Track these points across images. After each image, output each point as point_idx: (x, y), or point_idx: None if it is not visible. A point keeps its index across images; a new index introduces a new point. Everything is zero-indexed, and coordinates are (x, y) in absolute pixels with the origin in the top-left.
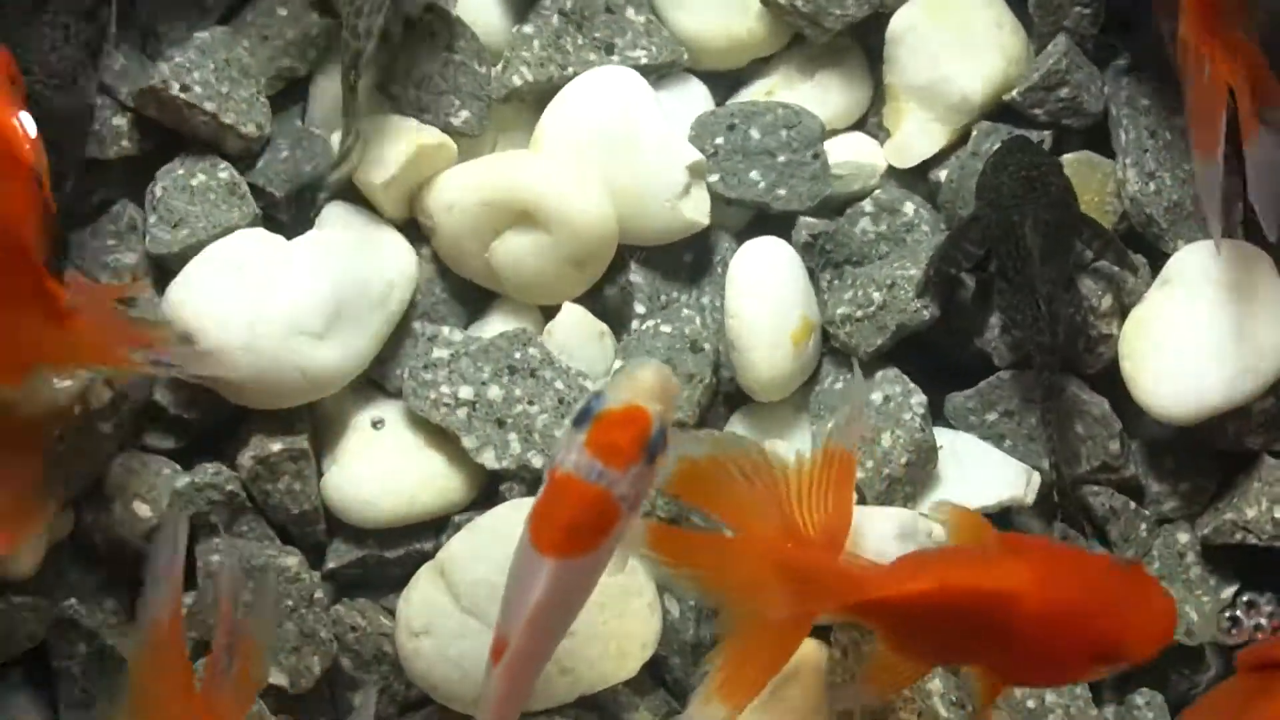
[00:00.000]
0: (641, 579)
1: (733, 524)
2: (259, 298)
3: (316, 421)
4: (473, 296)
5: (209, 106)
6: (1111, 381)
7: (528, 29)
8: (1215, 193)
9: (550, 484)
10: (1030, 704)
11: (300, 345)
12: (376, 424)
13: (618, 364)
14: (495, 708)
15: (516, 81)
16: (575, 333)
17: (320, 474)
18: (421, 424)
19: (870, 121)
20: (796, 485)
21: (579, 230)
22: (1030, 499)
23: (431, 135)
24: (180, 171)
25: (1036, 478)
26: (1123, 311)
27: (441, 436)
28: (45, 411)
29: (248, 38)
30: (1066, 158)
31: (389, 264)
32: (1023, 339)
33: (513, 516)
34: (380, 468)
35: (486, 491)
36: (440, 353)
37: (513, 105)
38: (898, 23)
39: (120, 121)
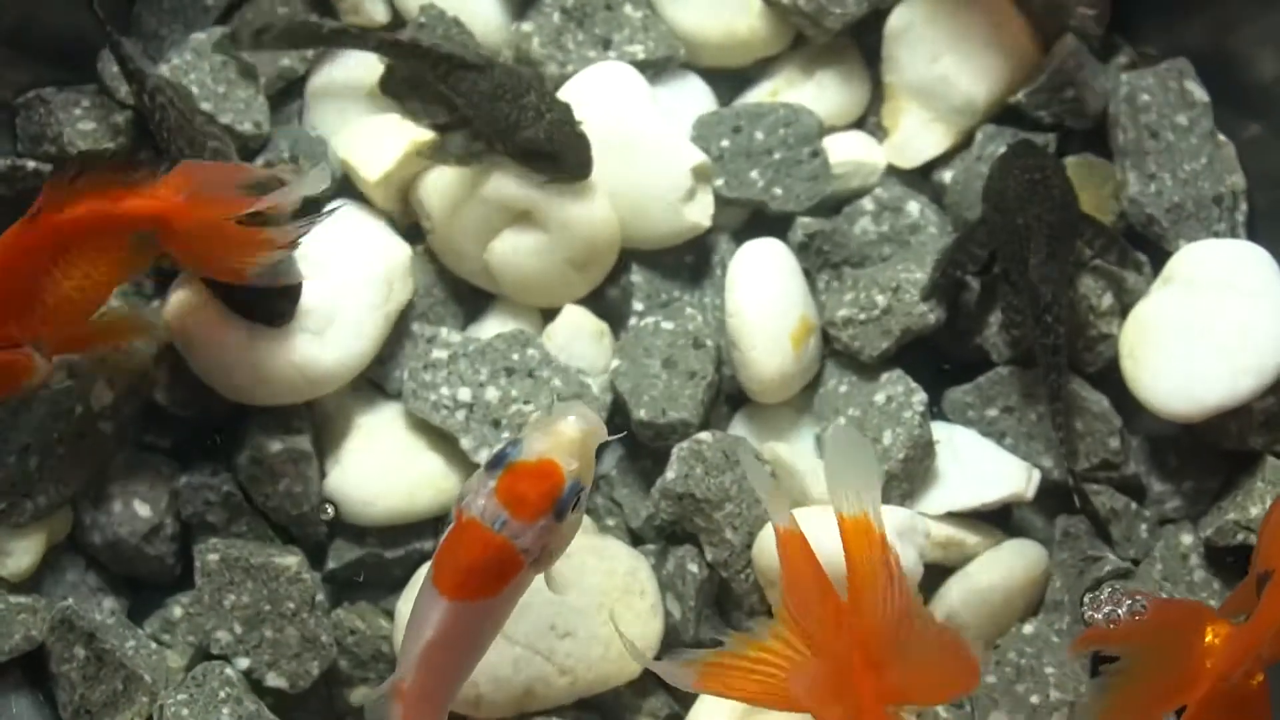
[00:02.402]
0: (643, 579)
1: (851, 593)
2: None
3: (317, 422)
4: (471, 297)
5: (205, 106)
6: (1111, 380)
7: (527, 26)
8: None
9: (456, 525)
10: (1034, 699)
11: (299, 343)
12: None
13: (615, 362)
14: None
15: None
16: (575, 334)
17: (323, 475)
18: (419, 424)
19: (870, 120)
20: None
21: (579, 232)
22: (1031, 494)
23: (426, 133)
24: None
25: (1037, 474)
26: (1122, 311)
27: (440, 436)
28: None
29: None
30: (1068, 160)
31: (388, 264)
32: (1025, 338)
33: None
34: (379, 468)
35: None
36: (439, 354)
37: None
38: (895, 21)
39: (119, 120)
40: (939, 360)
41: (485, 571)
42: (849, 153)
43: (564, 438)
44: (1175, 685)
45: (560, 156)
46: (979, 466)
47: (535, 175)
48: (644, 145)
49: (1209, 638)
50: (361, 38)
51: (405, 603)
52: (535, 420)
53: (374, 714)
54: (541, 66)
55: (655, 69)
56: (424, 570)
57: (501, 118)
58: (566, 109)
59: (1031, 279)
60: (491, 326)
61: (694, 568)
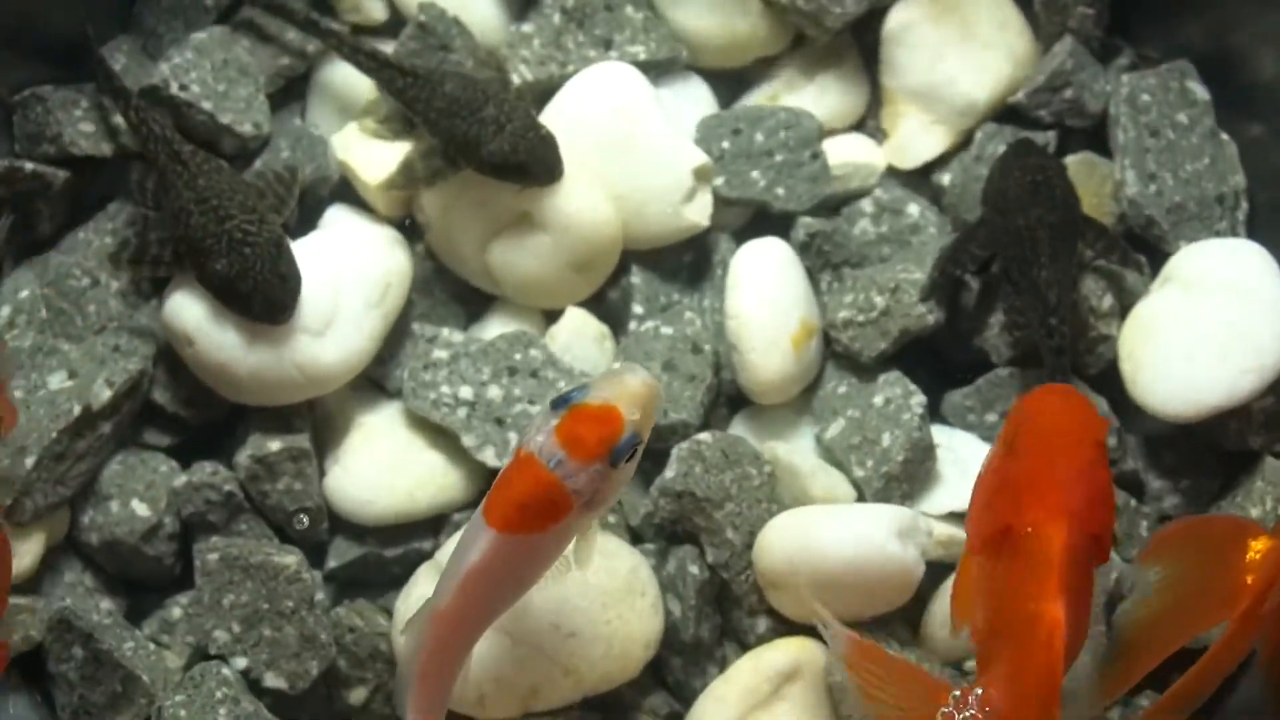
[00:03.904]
0: (644, 578)
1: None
2: None
3: (317, 421)
4: (472, 298)
5: (206, 105)
6: (1110, 381)
7: (528, 28)
8: None
9: (514, 459)
10: None
11: (299, 343)
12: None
13: (617, 365)
14: (419, 666)
15: (515, 81)
16: (577, 336)
17: (322, 474)
18: (420, 423)
19: (869, 123)
20: None
21: (579, 234)
22: None
23: (426, 135)
24: None
25: None
26: (1122, 312)
27: (440, 435)
28: None
29: (247, 37)
30: (1067, 159)
31: (387, 264)
32: (1027, 339)
33: None
34: (379, 466)
35: (485, 490)
36: (440, 353)
37: None
38: (893, 23)
39: (119, 121)
40: (939, 362)
41: (535, 507)
42: (848, 155)
43: (630, 388)
44: (1216, 600)
45: (528, 165)
46: (979, 470)
47: (509, 185)
48: (645, 145)
49: (1251, 553)
50: (326, 32)
51: (404, 602)
52: (604, 372)
53: (409, 632)
54: (541, 67)
55: (658, 70)
56: (425, 568)
57: (460, 135)
58: (526, 113)
59: (1037, 283)
60: (494, 328)
61: (695, 569)
